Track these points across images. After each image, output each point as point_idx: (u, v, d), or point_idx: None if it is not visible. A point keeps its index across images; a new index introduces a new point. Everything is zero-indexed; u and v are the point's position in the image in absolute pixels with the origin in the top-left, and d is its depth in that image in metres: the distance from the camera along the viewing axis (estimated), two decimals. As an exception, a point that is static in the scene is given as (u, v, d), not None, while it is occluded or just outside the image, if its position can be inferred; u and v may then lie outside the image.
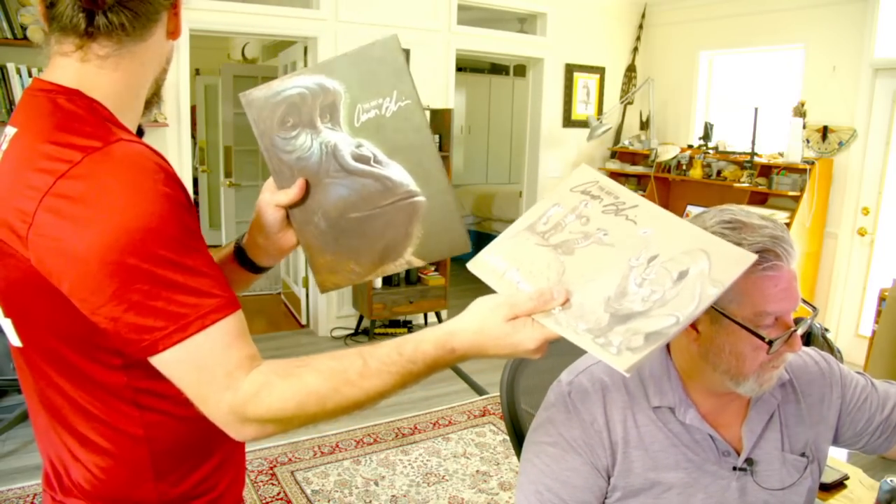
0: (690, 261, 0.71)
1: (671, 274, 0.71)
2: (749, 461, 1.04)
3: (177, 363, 0.70)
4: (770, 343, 0.93)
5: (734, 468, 1.04)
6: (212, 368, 0.70)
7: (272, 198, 0.86)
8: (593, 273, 0.73)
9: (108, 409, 0.78)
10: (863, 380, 1.15)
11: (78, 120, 0.72)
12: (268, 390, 0.70)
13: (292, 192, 0.84)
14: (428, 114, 4.64)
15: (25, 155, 0.71)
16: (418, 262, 0.79)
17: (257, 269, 0.96)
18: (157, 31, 0.80)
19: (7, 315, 0.78)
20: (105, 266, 0.66)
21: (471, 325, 0.74)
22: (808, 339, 2.32)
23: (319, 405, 0.72)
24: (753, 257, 0.73)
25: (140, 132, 0.85)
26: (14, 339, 0.80)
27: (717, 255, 0.71)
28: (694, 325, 1.00)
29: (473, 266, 0.78)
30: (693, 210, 4.93)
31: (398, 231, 0.79)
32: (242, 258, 0.94)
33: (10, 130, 0.76)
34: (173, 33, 0.83)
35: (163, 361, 0.70)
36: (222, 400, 0.70)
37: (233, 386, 0.70)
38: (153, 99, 0.87)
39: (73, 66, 0.76)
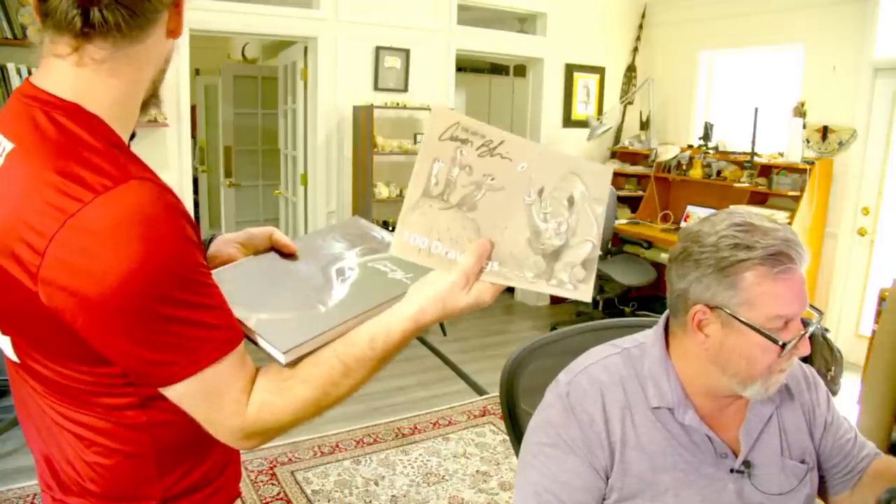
0: (570, 186, 0.79)
1: (562, 202, 0.79)
2: (747, 464, 1.04)
3: (188, 394, 0.73)
4: (783, 346, 0.93)
5: (731, 470, 1.03)
6: (221, 398, 0.74)
7: (278, 234, 1.00)
8: (502, 221, 0.79)
9: (112, 415, 0.78)
10: (846, 422, 1.17)
11: (84, 146, 0.70)
12: (268, 409, 0.75)
13: (287, 245, 0.99)
14: (428, 114, 4.65)
15: (30, 181, 0.69)
16: (252, 323, 0.82)
17: None
18: (157, 30, 0.76)
19: (5, 333, 0.77)
20: (119, 310, 0.67)
21: (435, 305, 0.78)
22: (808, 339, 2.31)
23: (314, 410, 0.78)
24: (611, 169, 0.82)
25: (132, 135, 0.84)
26: (11, 355, 0.79)
27: (585, 175, 0.79)
28: (703, 328, 1.00)
29: (398, 251, 0.80)
30: (693, 210, 4.93)
31: (280, 301, 0.89)
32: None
33: (6, 143, 0.72)
34: (174, 32, 0.78)
35: (174, 392, 0.73)
36: (232, 425, 0.75)
37: (240, 411, 0.75)
38: (151, 100, 0.84)
39: (69, 72, 0.73)
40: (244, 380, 0.75)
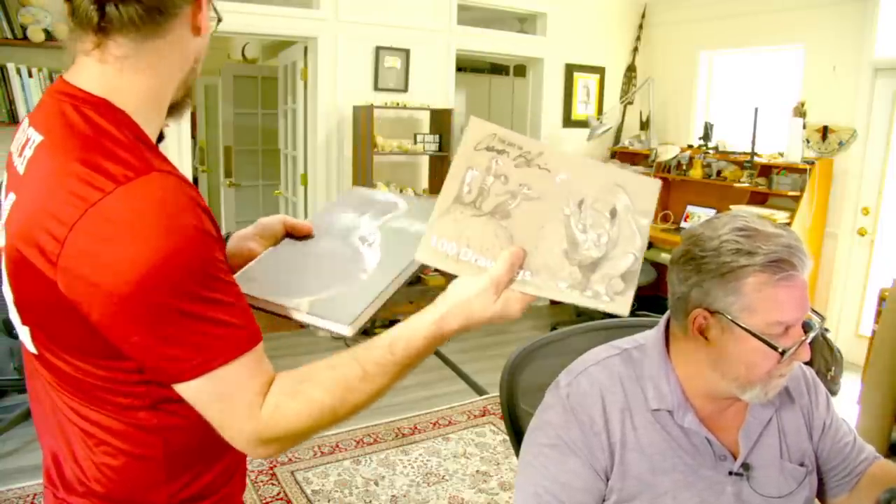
0: (612, 197, 0.77)
1: (604, 214, 0.77)
2: (745, 466, 1.04)
3: (201, 392, 0.72)
4: (783, 353, 0.93)
5: (730, 473, 1.03)
6: (234, 398, 0.72)
7: (289, 218, 1.00)
8: (537, 230, 0.77)
9: (124, 414, 0.78)
10: (845, 425, 1.16)
11: (109, 139, 0.70)
12: (281, 413, 0.73)
13: (300, 227, 0.99)
14: (428, 114, 4.66)
15: (55, 172, 0.70)
16: (304, 308, 0.82)
17: None
18: (178, 27, 0.76)
19: (25, 323, 0.78)
20: (135, 302, 0.66)
21: (460, 312, 0.75)
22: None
23: (331, 416, 0.75)
24: (658, 182, 0.79)
25: (161, 137, 0.83)
26: (29, 346, 0.80)
27: (630, 187, 0.77)
28: (703, 333, 0.99)
29: (424, 256, 0.77)
30: (693, 210, 4.93)
31: (319, 282, 0.88)
32: None
33: (35, 136, 0.74)
34: (199, 29, 0.78)
35: (188, 389, 0.72)
36: (244, 429, 0.73)
37: (253, 415, 0.72)
38: (184, 100, 0.84)
39: (94, 69, 0.74)
40: (260, 383, 0.73)
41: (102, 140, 0.70)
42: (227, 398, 0.72)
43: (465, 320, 0.75)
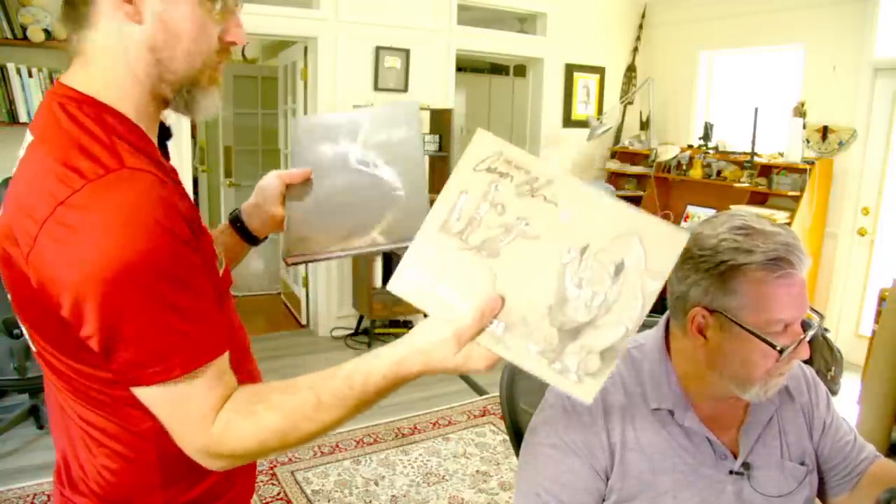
0: (624, 249, 0.65)
1: (607, 268, 0.65)
2: (746, 465, 1.04)
3: (156, 398, 0.72)
4: (781, 351, 0.93)
5: (731, 472, 1.03)
6: (189, 409, 0.72)
7: (283, 172, 1.01)
8: (526, 276, 0.67)
9: (118, 416, 0.78)
10: (845, 424, 1.16)
11: (88, 135, 0.70)
12: (232, 431, 0.72)
13: (297, 174, 0.99)
14: (428, 114, 4.65)
15: (37, 170, 0.70)
16: (381, 241, 0.87)
17: (251, 239, 1.05)
18: (103, 17, 0.73)
19: (22, 322, 0.78)
20: (96, 298, 0.66)
21: (419, 357, 0.71)
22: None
23: (280, 441, 0.74)
24: (686, 235, 0.66)
25: (167, 134, 0.83)
26: (31, 345, 0.81)
27: (649, 238, 0.65)
28: (702, 332, 0.99)
29: (396, 286, 0.70)
30: (693, 210, 4.93)
31: (372, 214, 0.92)
32: (240, 226, 1.05)
33: (29, 136, 0.75)
34: (131, 15, 0.73)
35: (145, 394, 0.72)
36: (194, 441, 0.73)
37: (205, 429, 0.72)
38: (177, 98, 0.80)
39: (74, 65, 0.76)
40: (216, 396, 0.72)
41: (80, 137, 0.70)
42: (182, 408, 0.72)
43: (423, 367, 0.71)
